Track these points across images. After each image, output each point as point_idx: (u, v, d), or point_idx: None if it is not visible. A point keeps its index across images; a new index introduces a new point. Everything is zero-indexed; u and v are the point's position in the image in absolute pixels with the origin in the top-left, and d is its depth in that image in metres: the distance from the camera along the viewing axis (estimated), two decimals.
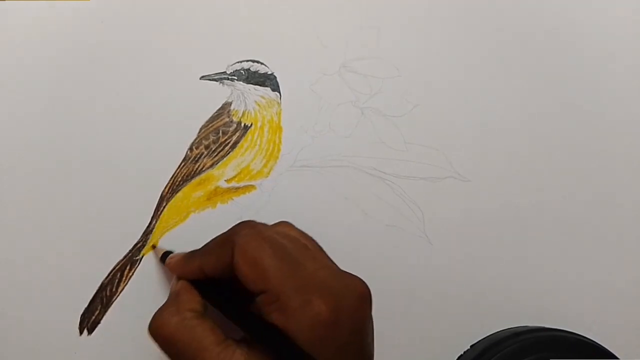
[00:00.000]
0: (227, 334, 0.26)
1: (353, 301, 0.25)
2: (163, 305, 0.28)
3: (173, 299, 0.28)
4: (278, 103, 0.37)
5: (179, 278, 0.29)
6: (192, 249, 0.34)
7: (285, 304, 0.24)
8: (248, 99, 0.36)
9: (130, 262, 0.34)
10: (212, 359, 0.24)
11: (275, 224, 0.29)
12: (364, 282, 0.26)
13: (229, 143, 0.36)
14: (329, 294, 0.25)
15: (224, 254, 0.26)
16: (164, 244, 0.34)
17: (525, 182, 0.38)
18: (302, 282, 0.25)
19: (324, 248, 0.29)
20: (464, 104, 0.38)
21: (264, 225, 0.28)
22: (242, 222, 0.27)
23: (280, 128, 0.36)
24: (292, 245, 0.27)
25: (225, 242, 0.26)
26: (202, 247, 0.29)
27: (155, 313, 0.27)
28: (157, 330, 0.26)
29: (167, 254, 0.32)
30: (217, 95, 0.36)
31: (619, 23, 0.41)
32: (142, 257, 0.34)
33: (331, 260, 0.28)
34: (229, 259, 0.26)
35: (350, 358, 0.25)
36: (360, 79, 0.38)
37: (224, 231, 0.28)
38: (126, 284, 0.34)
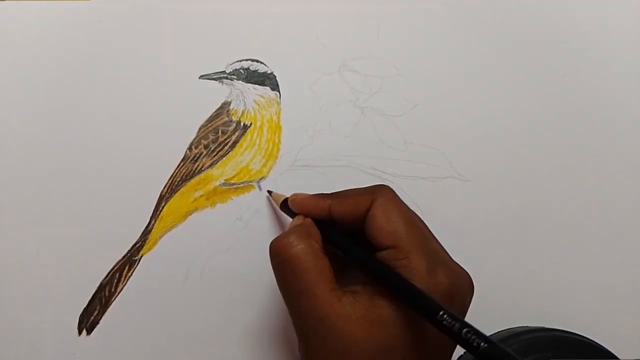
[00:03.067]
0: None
1: (465, 287, 0.27)
2: (288, 230, 0.28)
3: (300, 227, 0.28)
4: (277, 102, 0.37)
5: (304, 216, 0.30)
6: (192, 249, 0.34)
7: (413, 263, 0.25)
8: (247, 99, 0.36)
9: (129, 262, 0.34)
10: (323, 293, 0.25)
11: None
12: (470, 276, 0.28)
13: (228, 142, 0.35)
14: (450, 271, 0.26)
15: (362, 201, 0.27)
16: (164, 243, 0.34)
17: (525, 182, 0.38)
18: (429, 252, 0.26)
19: None
20: (464, 103, 0.38)
21: None
22: (384, 184, 0.29)
23: (279, 127, 0.36)
24: (422, 224, 0.28)
25: (366, 193, 0.28)
26: (336, 192, 0.30)
27: (282, 234, 0.27)
28: (282, 248, 0.26)
29: (285, 200, 0.32)
30: (217, 94, 0.36)
31: (619, 23, 0.41)
32: (141, 257, 0.34)
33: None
34: (365, 208, 0.27)
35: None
36: (360, 78, 0.38)
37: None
38: (125, 284, 0.34)
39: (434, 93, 0.38)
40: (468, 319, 0.35)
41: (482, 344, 0.21)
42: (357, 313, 0.24)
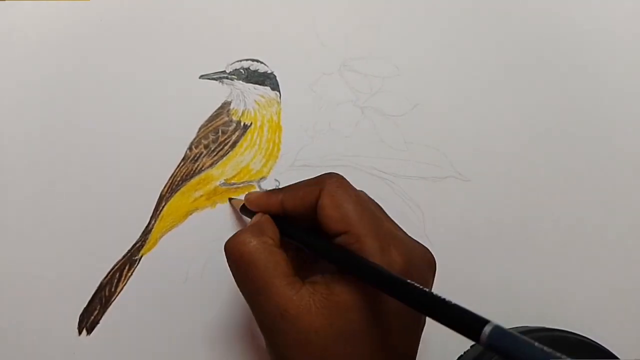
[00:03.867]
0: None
1: (423, 264, 0.27)
2: (243, 228, 0.28)
3: (254, 225, 0.28)
4: (278, 102, 0.37)
5: (262, 213, 0.30)
6: (192, 249, 0.34)
7: (364, 246, 0.25)
8: (247, 98, 0.36)
9: (129, 262, 0.34)
10: (280, 287, 0.25)
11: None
12: (430, 252, 0.28)
13: (228, 142, 0.35)
14: (404, 249, 0.26)
15: (311, 192, 0.27)
16: (164, 243, 0.34)
17: (526, 182, 0.38)
18: (381, 232, 0.26)
19: None
20: (465, 103, 0.38)
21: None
22: (332, 172, 0.29)
23: (279, 127, 0.36)
24: (373, 205, 0.28)
25: (314, 183, 0.28)
26: (287, 185, 0.30)
27: (236, 233, 0.27)
28: (236, 246, 0.26)
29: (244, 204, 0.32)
30: (217, 94, 0.36)
31: (620, 23, 0.41)
32: (141, 256, 0.34)
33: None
34: (314, 199, 0.27)
35: (408, 311, 0.25)
36: (360, 78, 0.38)
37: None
38: (125, 283, 0.34)
39: (434, 93, 0.38)
40: None
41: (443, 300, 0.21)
42: (317, 303, 0.24)
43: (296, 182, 0.29)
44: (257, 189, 0.35)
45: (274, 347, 0.26)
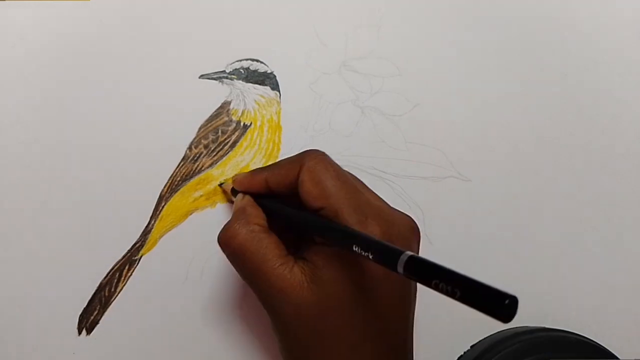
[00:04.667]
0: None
1: (403, 231, 0.28)
2: (231, 219, 0.29)
3: (240, 213, 0.29)
4: (278, 102, 0.36)
5: (243, 194, 0.31)
6: (192, 249, 0.34)
7: (342, 219, 0.26)
8: (247, 98, 0.36)
9: (129, 262, 0.34)
10: (273, 269, 0.26)
11: None
12: (413, 219, 0.29)
13: (228, 142, 0.35)
14: (383, 219, 0.27)
15: (292, 169, 0.28)
16: (164, 243, 0.34)
17: (526, 182, 0.38)
18: (359, 204, 0.27)
19: None
20: (465, 103, 0.38)
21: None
22: (313, 149, 0.29)
23: (279, 127, 0.36)
24: (353, 178, 0.29)
25: (295, 160, 0.29)
26: (271, 164, 0.31)
27: (225, 225, 0.28)
28: (229, 240, 0.28)
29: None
30: (216, 94, 0.36)
31: (620, 23, 0.40)
32: (141, 257, 0.34)
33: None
34: (295, 176, 0.28)
35: (394, 285, 0.26)
36: (360, 78, 0.38)
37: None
38: (125, 284, 0.34)
39: (434, 93, 0.38)
40: (468, 318, 0.35)
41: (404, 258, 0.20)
42: (307, 278, 0.26)
43: (280, 159, 0.30)
44: None
45: (276, 323, 0.27)
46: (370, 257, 0.22)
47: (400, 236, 0.27)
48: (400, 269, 0.20)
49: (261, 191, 0.30)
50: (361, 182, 0.30)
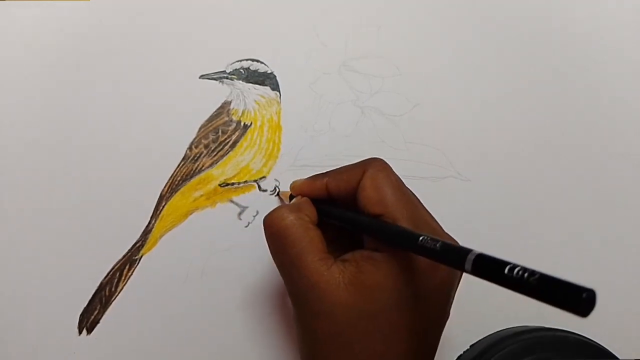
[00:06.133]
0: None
1: None
2: (282, 205, 0.29)
3: (294, 204, 0.29)
4: (278, 102, 0.37)
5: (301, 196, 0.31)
6: (193, 249, 0.34)
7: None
8: (247, 98, 0.36)
9: (129, 261, 0.34)
10: (312, 262, 0.26)
11: None
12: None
13: (228, 142, 0.35)
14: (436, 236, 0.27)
15: (354, 175, 0.28)
16: (164, 243, 0.34)
17: (526, 182, 0.38)
18: (416, 218, 0.27)
19: None
20: (465, 103, 0.38)
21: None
22: (376, 157, 0.29)
23: (279, 127, 0.36)
24: (412, 193, 0.29)
25: (358, 166, 0.29)
26: (331, 170, 0.31)
27: (275, 208, 0.28)
28: (273, 220, 0.27)
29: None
30: (217, 94, 0.36)
31: (620, 23, 0.40)
32: (142, 256, 0.34)
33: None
34: (357, 181, 0.28)
35: (435, 301, 0.26)
36: (360, 77, 0.38)
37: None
38: (125, 283, 0.34)
39: (434, 93, 0.38)
40: (468, 318, 0.35)
41: (468, 255, 0.20)
42: (345, 279, 0.25)
43: (342, 166, 0.30)
44: (257, 189, 0.35)
45: (302, 317, 0.27)
46: (438, 248, 0.21)
47: None
48: (468, 266, 0.20)
49: (320, 196, 0.30)
50: (418, 198, 0.29)
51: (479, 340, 0.35)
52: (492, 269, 0.19)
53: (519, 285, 0.18)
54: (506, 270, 0.18)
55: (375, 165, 0.28)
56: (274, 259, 0.28)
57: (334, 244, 0.28)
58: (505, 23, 0.40)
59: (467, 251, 0.20)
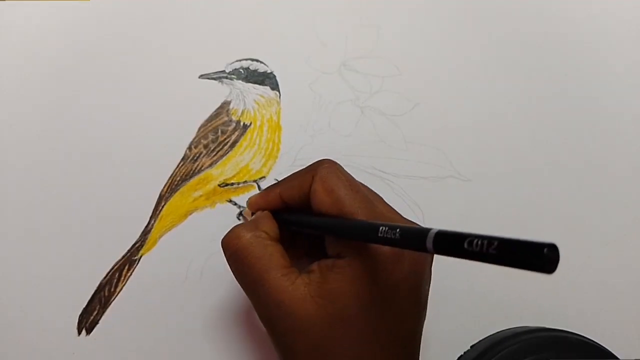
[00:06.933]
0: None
1: None
2: (239, 224, 0.29)
3: (251, 221, 0.29)
4: (277, 102, 0.36)
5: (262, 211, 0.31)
6: (192, 249, 0.34)
7: None
8: (247, 98, 0.36)
9: (128, 262, 0.34)
10: (275, 279, 0.25)
11: None
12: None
13: (227, 142, 0.35)
14: None
15: (305, 181, 0.28)
16: (164, 243, 0.34)
17: (526, 182, 0.38)
18: (373, 211, 0.26)
19: None
20: (465, 102, 0.38)
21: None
22: (325, 158, 0.29)
23: (279, 127, 0.36)
24: (366, 188, 0.28)
25: (308, 171, 0.28)
26: (283, 178, 0.30)
27: (232, 228, 0.28)
28: (231, 241, 0.27)
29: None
30: (216, 94, 0.36)
31: (620, 23, 0.40)
32: (141, 257, 0.34)
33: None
34: (308, 186, 0.27)
35: (405, 295, 0.26)
36: (360, 77, 0.38)
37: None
38: (125, 284, 0.34)
39: (434, 93, 0.38)
40: (468, 318, 0.35)
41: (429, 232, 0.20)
42: (312, 292, 0.25)
43: (291, 173, 0.30)
44: (257, 189, 0.35)
45: (274, 335, 0.26)
46: (398, 236, 0.21)
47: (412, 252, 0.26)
48: (429, 244, 0.19)
49: (277, 207, 0.30)
50: (374, 192, 0.29)
51: (480, 341, 0.35)
52: (452, 245, 0.18)
53: (480, 256, 0.17)
54: (465, 245, 0.17)
55: (324, 167, 0.27)
56: (237, 280, 0.27)
57: (295, 254, 0.28)
58: (505, 23, 0.40)
59: (427, 230, 0.20)
